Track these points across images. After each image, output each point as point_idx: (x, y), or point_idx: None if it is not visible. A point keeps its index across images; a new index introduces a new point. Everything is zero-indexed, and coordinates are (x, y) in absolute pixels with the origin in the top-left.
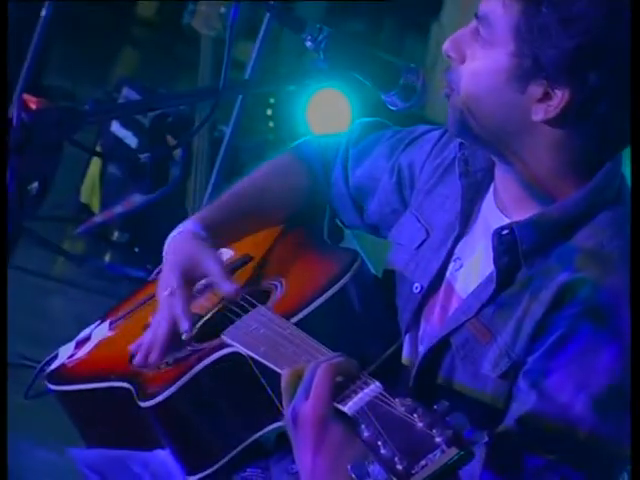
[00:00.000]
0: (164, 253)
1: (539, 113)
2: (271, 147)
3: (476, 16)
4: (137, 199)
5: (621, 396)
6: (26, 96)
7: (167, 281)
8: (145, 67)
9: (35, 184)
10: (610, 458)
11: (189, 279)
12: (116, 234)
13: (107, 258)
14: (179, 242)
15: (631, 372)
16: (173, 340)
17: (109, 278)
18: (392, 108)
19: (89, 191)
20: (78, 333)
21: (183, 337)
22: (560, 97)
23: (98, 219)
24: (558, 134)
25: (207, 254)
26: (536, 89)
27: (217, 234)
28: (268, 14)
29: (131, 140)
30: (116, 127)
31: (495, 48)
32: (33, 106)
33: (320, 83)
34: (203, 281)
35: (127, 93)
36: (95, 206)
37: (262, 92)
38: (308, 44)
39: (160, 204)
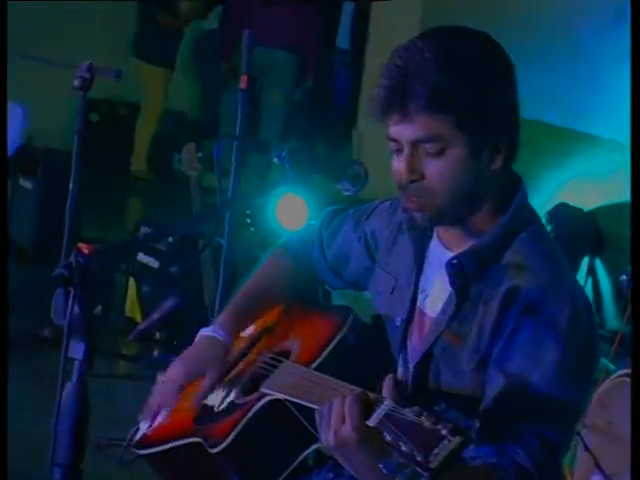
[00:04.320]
0: (194, 344)
1: (497, 162)
2: (255, 245)
3: (420, 140)
4: (167, 305)
5: (566, 364)
6: (80, 244)
7: (177, 371)
8: (149, 208)
9: (99, 307)
10: (569, 413)
11: (191, 378)
12: (158, 334)
13: (155, 353)
14: (201, 345)
15: (632, 372)
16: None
17: (159, 367)
18: (346, 193)
19: (131, 307)
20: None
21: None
22: (504, 144)
23: (142, 326)
24: (497, 178)
25: (213, 368)
26: (490, 149)
27: (238, 328)
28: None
29: (154, 264)
30: (141, 256)
31: (449, 151)
32: (86, 251)
33: (281, 191)
34: (238, 349)
35: (144, 231)
36: (138, 317)
37: (242, 207)
38: (275, 160)
39: (185, 304)
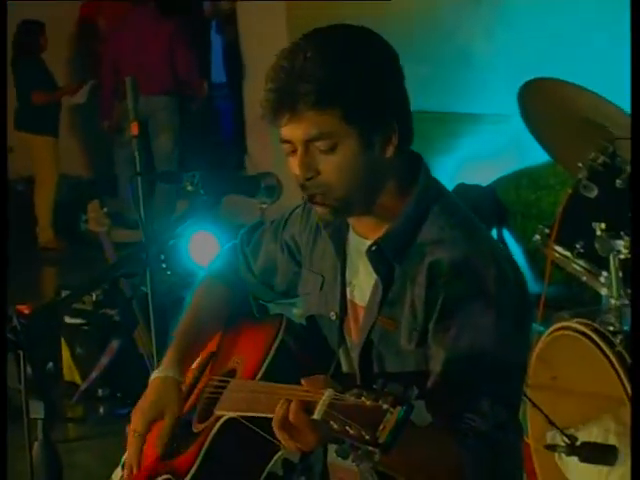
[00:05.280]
0: (148, 389)
1: (389, 150)
2: (175, 286)
3: (312, 139)
4: (103, 361)
5: (502, 323)
6: (18, 307)
7: (138, 421)
8: (66, 275)
9: (50, 364)
10: (514, 368)
11: (154, 419)
12: (100, 391)
13: (101, 410)
14: (154, 388)
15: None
16: (182, 430)
17: (108, 422)
18: (263, 206)
19: (69, 371)
20: (106, 471)
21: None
22: (395, 133)
23: (83, 387)
24: (394, 163)
25: (169, 408)
26: (381, 138)
27: (187, 363)
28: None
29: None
30: (68, 319)
31: (341, 145)
32: (27, 311)
33: (192, 230)
34: (189, 381)
35: (64, 294)
36: (77, 379)
37: (159, 246)
38: (189, 188)
39: (120, 357)
